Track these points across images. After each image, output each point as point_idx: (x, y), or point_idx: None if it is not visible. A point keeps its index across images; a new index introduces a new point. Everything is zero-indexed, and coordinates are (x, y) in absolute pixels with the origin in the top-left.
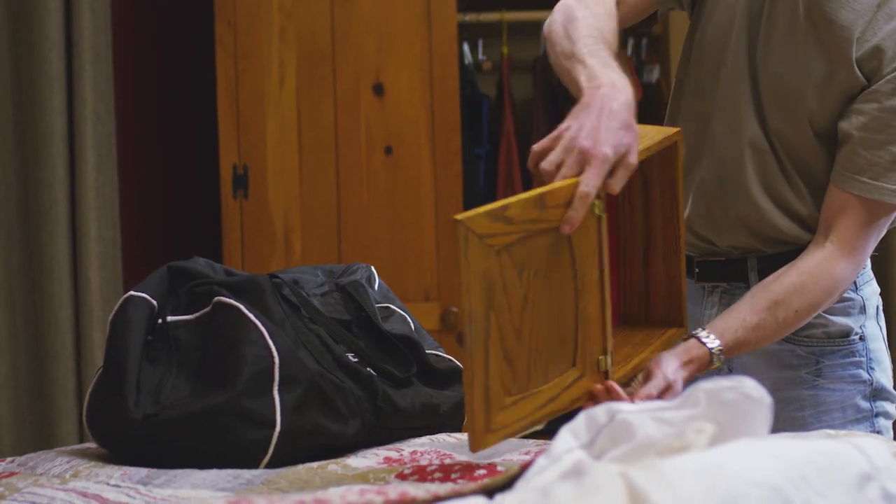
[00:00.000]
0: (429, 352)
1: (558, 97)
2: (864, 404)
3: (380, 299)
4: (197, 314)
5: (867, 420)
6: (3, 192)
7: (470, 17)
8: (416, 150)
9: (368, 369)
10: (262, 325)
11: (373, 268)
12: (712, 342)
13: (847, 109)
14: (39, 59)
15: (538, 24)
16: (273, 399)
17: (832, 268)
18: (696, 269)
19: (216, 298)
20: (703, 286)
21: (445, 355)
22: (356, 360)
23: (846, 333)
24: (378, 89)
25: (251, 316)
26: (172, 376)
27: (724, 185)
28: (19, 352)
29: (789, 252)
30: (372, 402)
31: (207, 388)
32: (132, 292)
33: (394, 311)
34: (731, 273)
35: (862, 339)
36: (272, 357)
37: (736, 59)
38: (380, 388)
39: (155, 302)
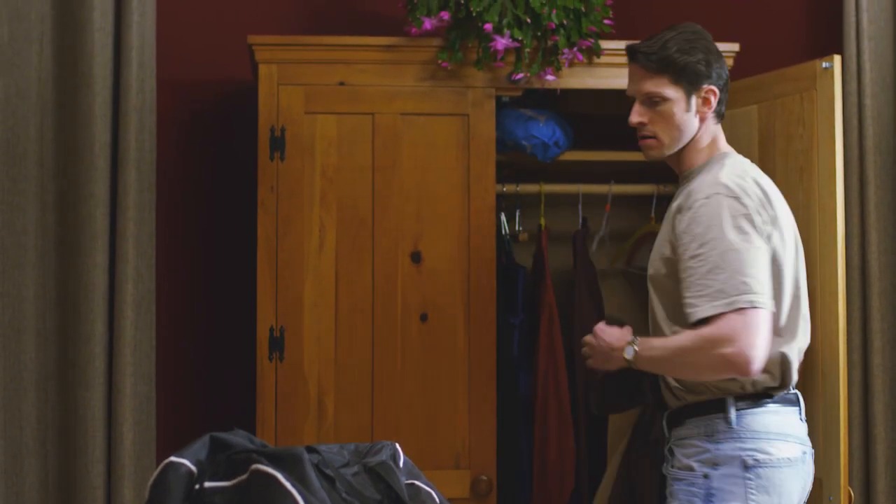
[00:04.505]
0: None
1: (597, 270)
2: None
3: (406, 477)
4: (234, 481)
5: None
6: (43, 344)
7: (508, 188)
8: (451, 318)
9: None
10: (299, 493)
11: (398, 445)
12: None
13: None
14: (84, 215)
15: (575, 197)
16: None
17: None
18: None
19: (254, 466)
20: None
21: None
22: None
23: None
24: (416, 257)
25: (287, 485)
26: None
27: None
28: None
29: None
30: None
31: None
32: (172, 458)
33: (420, 487)
34: None
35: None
36: None
37: None
38: None
39: (194, 468)
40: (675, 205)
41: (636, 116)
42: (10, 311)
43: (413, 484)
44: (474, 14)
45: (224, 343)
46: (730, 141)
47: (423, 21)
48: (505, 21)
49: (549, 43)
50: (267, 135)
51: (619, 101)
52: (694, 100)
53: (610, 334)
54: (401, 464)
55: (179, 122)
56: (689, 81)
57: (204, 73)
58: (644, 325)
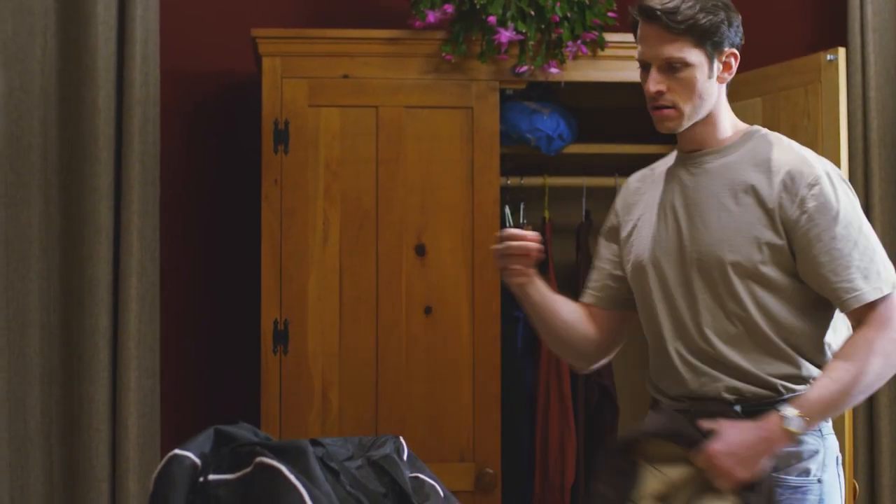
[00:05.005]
0: None
1: None
2: None
3: (410, 470)
4: (238, 474)
5: None
6: (47, 338)
7: (512, 181)
8: (455, 311)
9: None
10: (303, 486)
11: (401, 438)
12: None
13: None
14: (88, 208)
15: (579, 190)
16: None
17: None
18: None
19: (258, 459)
20: None
21: None
22: None
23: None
24: (420, 250)
25: (292, 477)
26: None
27: None
28: (54, 497)
29: None
30: None
31: None
32: (177, 451)
33: (423, 480)
34: None
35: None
36: None
37: None
38: None
39: (198, 461)
40: (751, 184)
41: (654, 84)
42: (14, 304)
43: (417, 477)
44: (478, 6)
45: (228, 336)
46: None
47: (427, 14)
48: (509, 14)
49: (553, 35)
50: (270, 128)
51: (623, 93)
52: (716, 64)
53: (737, 430)
54: (405, 457)
55: (183, 116)
56: (713, 44)
57: (207, 66)
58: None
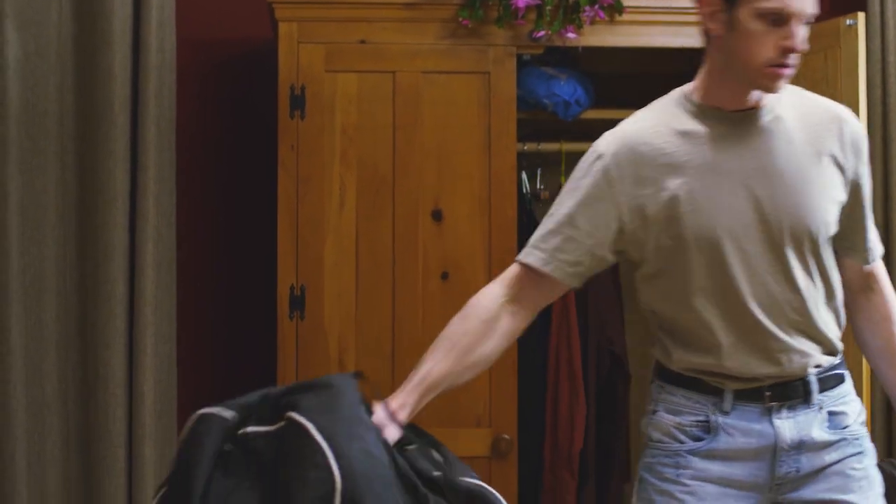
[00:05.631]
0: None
1: None
2: None
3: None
4: (274, 427)
5: None
6: (63, 304)
7: (529, 147)
8: (472, 276)
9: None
10: (329, 446)
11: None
12: None
13: None
14: (104, 174)
15: None
16: None
17: None
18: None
19: (288, 414)
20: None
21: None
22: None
23: None
24: (437, 215)
25: (318, 437)
26: (245, 489)
27: None
28: (71, 462)
29: None
30: None
31: None
32: (204, 410)
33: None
34: None
35: None
36: (334, 482)
37: None
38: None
39: (230, 415)
40: (824, 144)
41: (803, 42)
42: (30, 271)
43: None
44: None
45: (244, 302)
46: None
47: None
48: None
49: (571, 0)
50: (287, 93)
51: (640, 59)
52: None
53: None
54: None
55: (200, 81)
56: None
57: (224, 31)
58: None
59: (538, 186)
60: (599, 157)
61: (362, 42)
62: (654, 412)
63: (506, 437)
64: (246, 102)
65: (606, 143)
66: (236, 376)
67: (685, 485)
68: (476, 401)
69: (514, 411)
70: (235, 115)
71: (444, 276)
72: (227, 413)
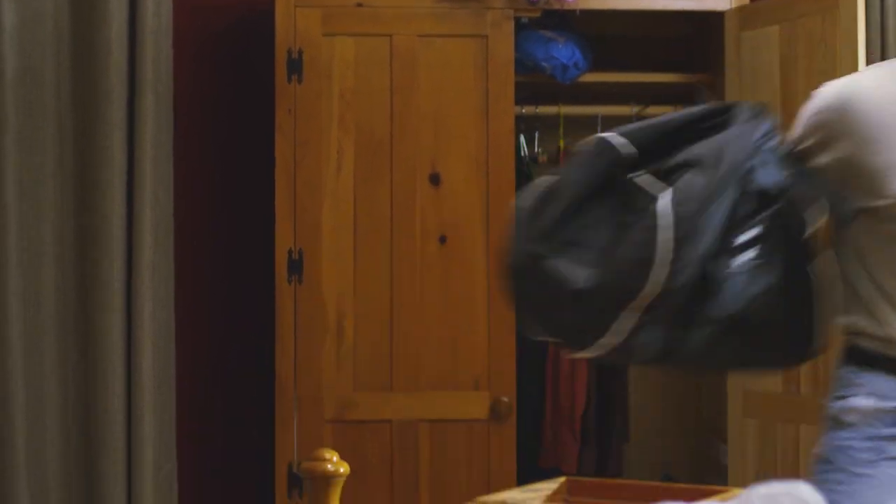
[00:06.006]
0: None
1: None
2: None
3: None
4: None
5: None
6: (61, 270)
7: (527, 110)
8: (470, 240)
9: None
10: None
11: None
12: None
13: None
14: (101, 140)
15: (594, 118)
16: None
17: None
18: None
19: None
20: None
21: None
22: None
23: None
24: (434, 179)
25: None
26: (606, 225)
27: None
28: (70, 437)
29: None
30: None
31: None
32: (606, 135)
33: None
34: None
35: None
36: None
37: None
38: None
39: (628, 152)
40: None
41: None
42: (28, 238)
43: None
44: None
45: (243, 266)
46: (750, 62)
47: None
48: None
49: None
50: (284, 57)
51: (638, 21)
52: None
53: None
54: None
55: (196, 46)
56: None
57: None
58: None
59: (536, 150)
60: None
61: (359, 5)
62: (853, 395)
63: (504, 399)
64: (243, 67)
65: None
66: (235, 340)
67: (883, 469)
68: (474, 362)
69: (513, 373)
70: (232, 79)
71: (442, 239)
72: (626, 150)
